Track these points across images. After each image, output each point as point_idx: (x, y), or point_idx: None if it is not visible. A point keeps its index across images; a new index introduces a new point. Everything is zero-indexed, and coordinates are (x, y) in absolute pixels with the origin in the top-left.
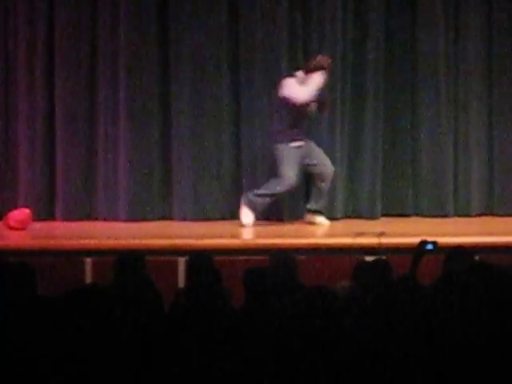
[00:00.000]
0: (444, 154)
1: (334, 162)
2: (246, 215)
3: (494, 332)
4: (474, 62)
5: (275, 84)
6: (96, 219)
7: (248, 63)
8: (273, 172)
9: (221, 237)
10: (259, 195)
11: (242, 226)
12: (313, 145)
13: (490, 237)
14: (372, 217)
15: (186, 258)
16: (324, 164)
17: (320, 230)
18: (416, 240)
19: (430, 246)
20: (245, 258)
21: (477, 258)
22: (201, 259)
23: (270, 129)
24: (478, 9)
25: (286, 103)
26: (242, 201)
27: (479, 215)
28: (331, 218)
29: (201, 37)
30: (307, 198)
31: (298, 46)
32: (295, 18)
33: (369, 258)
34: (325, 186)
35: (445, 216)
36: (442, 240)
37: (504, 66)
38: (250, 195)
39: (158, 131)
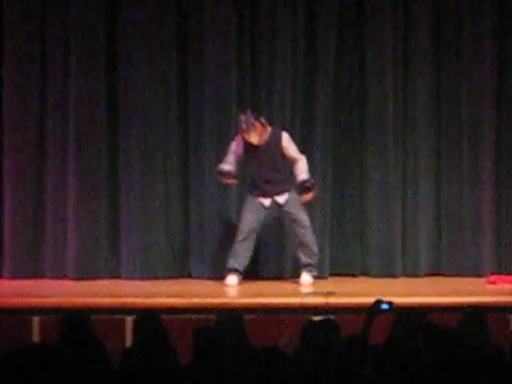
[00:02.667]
0: (392, 213)
1: (281, 219)
2: (228, 279)
3: None
4: (422, 124)
5: (224, 133)
6: (43, 277)
7: (196, 114)
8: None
9: (168, 296)
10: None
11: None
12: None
13: (439, 297)
14: (320, 276)
15: (134, 316)
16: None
17: (268, 290)
18: (364, 300)
19: (385, 306)
20: (192, 316)
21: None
22: (148, 318)
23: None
24: (426, 54)
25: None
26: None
27: (427, 275)
28: (279, 277)
29: (149, 86)
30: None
31: (247, 87)
32: (244, 56)
33: (317, 318)
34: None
35: (393, 276)
36: (391, 299)
37: (452, 117)
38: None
39: (106, 188)
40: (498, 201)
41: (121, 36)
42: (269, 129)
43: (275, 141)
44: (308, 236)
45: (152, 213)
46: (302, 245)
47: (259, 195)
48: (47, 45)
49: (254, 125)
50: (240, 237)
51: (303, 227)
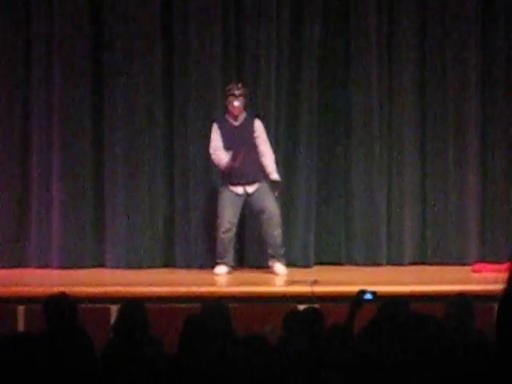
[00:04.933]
0: (377, 203)
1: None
2: (218, 269)
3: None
4: (407, 114)
5: (209, 125)
6: (28, 267)
7: (182, 110)
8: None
9: (153, 285)
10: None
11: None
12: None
13: (423, 285)
14: (305, 265)
15: (118, 305)
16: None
17: (253, 278)
18: (349, 288)
19: (368, 296)
20: (177, 305)
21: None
22: (133, 307)
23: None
24: (411, 48)
25: None
26: None
27: (412, 264)
28: (263, 266)
29: (135, 84)
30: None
31: (232, 79)
32: (229, 59)
33: (301, 307)
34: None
35: (377, 264)
36: (376, 288)
37: (436, 116)
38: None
39: (91, 178)
40: (482, 189)
41: (106, 29)
42: (244, 112)
43: (248, 125)
44: (275, 228)
45: (136, 202)
46: (268, 236)
47: (232, 184)
48: (32, 42)
49: (244, 96)
50: (222, 229)
51: (271, 218)
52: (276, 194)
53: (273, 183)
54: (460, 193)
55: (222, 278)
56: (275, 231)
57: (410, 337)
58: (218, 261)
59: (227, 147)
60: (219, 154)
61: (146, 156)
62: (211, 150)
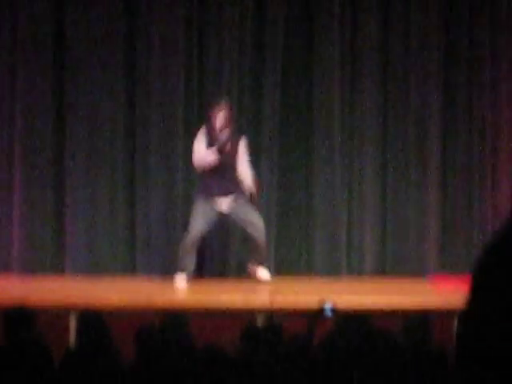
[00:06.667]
0: (337, 213)
1: (226, 220)
2: (179, 279)
3: None
4: (369, 125)
5: (170, 131)
6: None
7: (143, 121)
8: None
9: (113, 293)
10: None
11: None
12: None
13: (382, 296)
14: None
15: (78, 313)
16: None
17: (213, 289)
18: (309, 299)
19: (328, 313)
20: (137, 315)
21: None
22: (92, 316)
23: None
24: (373, 53)
25: None
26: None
27: (372, 275)
28: (224, 277)
29: (97, 94)
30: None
31: (193, 95)
32: (191, 67)
33: (260, 318)
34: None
35: (337, 275)
36: (335, 299)
37: (398, 127)
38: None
39: (51, 184)
40: (442, 201)
41: (68, 38)
42: (228, 128)
43: (234, 141)
44: (259, 236)
45: (97, 208)
46: (254, 244)
47: (211, 195)
48: None
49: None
50: (189, 240)
51: (256, 229)
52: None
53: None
54: (420, 205)
55: (182, 288)
56: (262, 239)
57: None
58: (179, 271)
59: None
60: (202, 152)
61: (107, 163)
62: (195, 154)
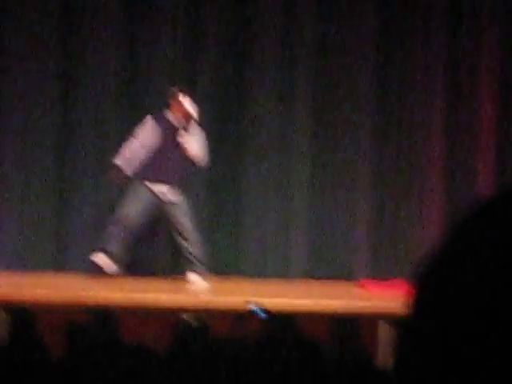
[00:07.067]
0: (267, 215)
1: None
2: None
3: None
4: (299, 120)
5: (102, 151)
6: None
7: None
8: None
9: (40, 288)
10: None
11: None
12: None
13: (309, 299)
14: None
15: (7, 309)
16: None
17: (141, 286)
18: (236, 299)
19: (262, 314)
20: (66, 311)
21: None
22: (20, 312)
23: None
24: (309, 63)
25: None
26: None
27: (299, 278)
28: (154, 275)
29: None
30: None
31: (125, 95)
32: (124, 67)
33: (187, 317)
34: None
35: (265, 277)
36: (262, 301)
37: (328, 119)
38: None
39: None
40: (372, 205)
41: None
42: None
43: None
44: (187, 241)
45: (25, 202)
46: (179, 247)
47: (153, 181)
48: None
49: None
50: (120, 223)
51: (184, 231)
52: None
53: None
54: (349, 207)
55: (109, 285)
56: (187, 243)
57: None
58: (105, 249)
59: (158, 145)
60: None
61: (37, 157)
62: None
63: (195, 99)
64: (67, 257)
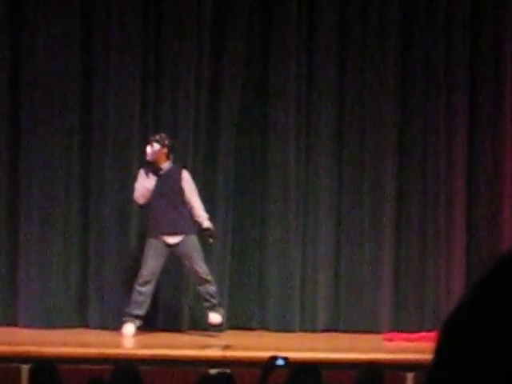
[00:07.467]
0: (291, 268)
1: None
2: (126, 327)
3: None
4: (324, 179)
5: (124, 187)
6: None
7: (98, 168)
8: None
9: (65, 345)
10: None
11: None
12: None
13: (335, 353)
14: (217, 330)
15: (30, 365)
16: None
17: (165, 341)
18: (261, 354)
19: (280, 362)
20: (89, 367)
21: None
22: (44, 367)
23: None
24: (329, 100)
25: None
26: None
27: (325, 331)
28: (176, 329)
29: (51, 140)
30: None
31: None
32: (147, 114)
33: (213, 371)
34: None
35: (290, 331)
36: (288, 355)
37: (352, 181)
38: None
39: (4, 234)
40: (396, 258)
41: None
42: (169, 161)
43: (174, 175)
44: (202, 283)
45: (50, 261)
46: (198, 290)
47: (160, 233)
48: None
49: (162, 145)
50: (141, 280)
51: (196, 275)
52: (211, 241)
53: (206, 231)
54: (374, 261)
55: (133, 340)
56: (203, 286)
57: None
58: (127, 317)
59: (151, 194)
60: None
61: (61, 214)
62: (135, 186)
63: (217, 154)
64: (91, 315)
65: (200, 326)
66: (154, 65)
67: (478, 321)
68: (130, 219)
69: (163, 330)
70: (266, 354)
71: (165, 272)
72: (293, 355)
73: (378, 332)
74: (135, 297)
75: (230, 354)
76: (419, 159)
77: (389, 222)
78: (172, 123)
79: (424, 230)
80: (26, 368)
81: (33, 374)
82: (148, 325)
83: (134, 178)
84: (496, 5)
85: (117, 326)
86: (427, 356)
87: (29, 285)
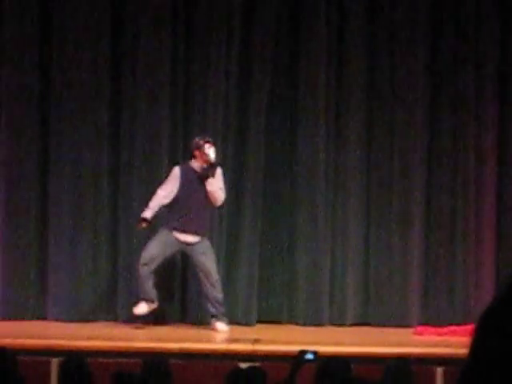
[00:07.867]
0: (321, 262)
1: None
2: (140, 306)
3: None
4: (352, 175)
5: (154, 176)
6: None
7: (127, 167)
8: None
9: (94, 338)
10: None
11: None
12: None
13: (364, 347)
14: (247, 323)
15: (60, 358)
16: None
17: (195, 335)
18: (290, 348)
19: (310, 356)
20: (118, 360)
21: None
22: (73, 360)
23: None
24: (359, 104)
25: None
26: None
27: (354, 325)
28: (204, 323)
29: (81, 139)
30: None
31: (178, 137)
32: (177, 111)
33: (243, 365)
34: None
35: (319, 324)
36: (317, 348)
37: (381, 176)
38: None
39: (35, 229)
40: (425, 252)
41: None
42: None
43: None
44: (212, 287)
45: (80, 255)
46: (207, 295)
47: (176, 230)
48: None
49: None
50: (141, 261)
51: (207, 277)
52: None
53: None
54: (403, 255)
55: (162, 334)
56: (212, 290)
57: None
58: (140, 299)
59: (183, 193)
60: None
61: (90, 210)
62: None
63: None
64: (120, 308)
65: (229, 319)
66: (183, 66)
67: None
68: (158, 214)
69: (193, 323)
70: (296, 348)
71: (192, 267)
72: (322, 349)
73: (407, 326)
74: (138, 278)
75: (259, 347)
76: (449, 154)
77: (418, 218)
78: (201, 121)
79: (453, 224)
80: (55, 361)
81: (62, 368)
82: (178, 319)
83: (163, 172)
84: None
85: (146, 321)
86: (457, 350)
87: (58, 279)
